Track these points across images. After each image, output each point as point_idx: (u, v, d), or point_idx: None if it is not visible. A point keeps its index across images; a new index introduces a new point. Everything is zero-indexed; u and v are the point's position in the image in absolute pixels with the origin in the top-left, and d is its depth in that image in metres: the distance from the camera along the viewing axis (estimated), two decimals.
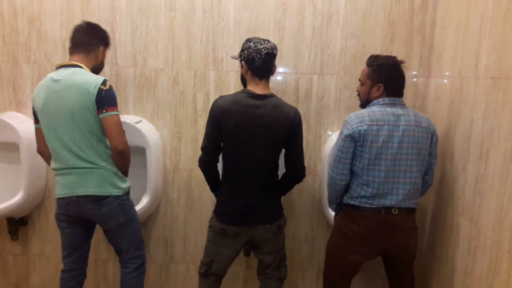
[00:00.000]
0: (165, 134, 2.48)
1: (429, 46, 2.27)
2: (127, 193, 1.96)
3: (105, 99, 1.80)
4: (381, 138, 1.74)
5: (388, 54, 2.09)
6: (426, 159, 1.82)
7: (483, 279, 1.55)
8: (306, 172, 1.95)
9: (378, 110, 1.79)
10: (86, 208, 1.86)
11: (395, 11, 2.26)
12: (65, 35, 2.38)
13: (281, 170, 1.96)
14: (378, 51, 2.25)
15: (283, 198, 2.05)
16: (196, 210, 2.54)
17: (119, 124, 1.84)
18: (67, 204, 1.88)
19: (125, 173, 1.97)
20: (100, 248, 2.57)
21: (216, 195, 2.00)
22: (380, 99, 1.83)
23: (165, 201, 2.54)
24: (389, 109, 1.79)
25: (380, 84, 1.82)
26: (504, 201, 1.42)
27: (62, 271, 2.01)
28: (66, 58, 2.38)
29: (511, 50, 1.43)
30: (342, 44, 2.31)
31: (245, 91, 1.84)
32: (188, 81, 2.41)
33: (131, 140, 1.99)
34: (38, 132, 1.94)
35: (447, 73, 2.05)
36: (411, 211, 1.82)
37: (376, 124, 1.74)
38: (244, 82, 1.93)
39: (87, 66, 1.91)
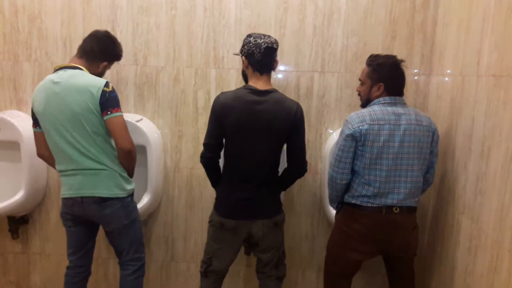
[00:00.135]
0: (166, 133, 2.47)
1: (430, 44, 2.27)
2: (131, 195, 1.96)
3: (109, 101, 1.80)
4: (382, 138, 1.74)
5: (389, 52, 2.08)
6: (427, 157, 1.82)
7: (484, 278, 1.55)
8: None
9: (379, 109, 1.78)
10: (90, 208, 1.87)
11: (396, 9, 2.26)
12: (66, 33, 2.39)
13: (282, 165, 1.96)
14: (379, 49, 2.25)
15: (283, 196, 2.05)
16: (197, 209, 2.54)
17: (124, 124, 1.85)
18: (72, 204, 1.89)
19: (131, 173, 1.97)
20: (101, 247, 2.57)
21: (216, 190, 2.01)
22: (381, 99, 1.82)
23: (165, 199, 2.54)
24: (390, 108, 1.78)
25: (381, 84, 1.82)
26: (505, 200, 1.42)
27: (68, 267, 2.02)
28: (67, 56, 2.40)
29: None
30: (343, 42, 2.31)
31: (246, 87, 1.84)
32: (189, 79, 2.40)
33: (132, 138, 1.99)
34: (37, 136, 1.92)
35: (448, 71, 2.04)
36: (412, 209, 1.82)
37: (377, 124, 1.74)
38: (245, 78, 1.92)
39: (87, 70, 1.89)
